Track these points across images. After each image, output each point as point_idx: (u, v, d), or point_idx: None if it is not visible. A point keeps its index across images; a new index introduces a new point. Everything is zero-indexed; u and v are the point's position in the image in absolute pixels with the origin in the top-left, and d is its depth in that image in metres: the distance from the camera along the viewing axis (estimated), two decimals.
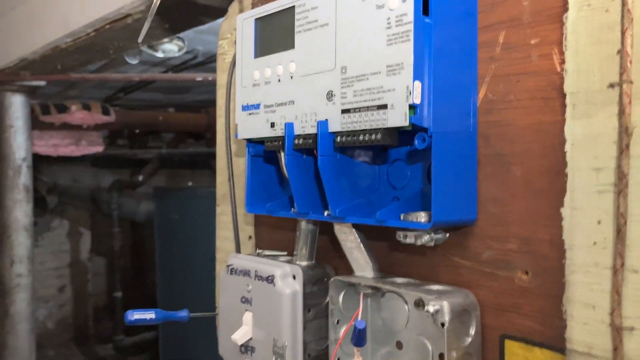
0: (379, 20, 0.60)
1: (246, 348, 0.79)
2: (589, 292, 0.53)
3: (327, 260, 0.80)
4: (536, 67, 0.58)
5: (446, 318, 0.59)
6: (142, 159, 4.52)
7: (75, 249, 4.86)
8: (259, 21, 0.76)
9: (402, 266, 0.70)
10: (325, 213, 0.70)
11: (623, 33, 0.50)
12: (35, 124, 3.31)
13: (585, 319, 0.53)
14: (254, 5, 0.92)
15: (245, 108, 0.78)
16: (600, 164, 0.52)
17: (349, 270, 0.73)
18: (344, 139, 0.64)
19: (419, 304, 0.65)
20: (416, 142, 0.59)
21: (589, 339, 0.53)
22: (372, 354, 0.71)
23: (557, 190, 0.56)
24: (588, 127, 0.53)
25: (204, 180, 5.03)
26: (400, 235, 0.63)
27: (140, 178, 4.47)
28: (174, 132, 4.51)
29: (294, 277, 0.75)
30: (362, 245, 0.70)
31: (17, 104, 2.85)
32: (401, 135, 0.62)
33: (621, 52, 0.50)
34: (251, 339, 0.78)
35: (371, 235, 0.72)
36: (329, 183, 0.66)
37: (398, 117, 0.58)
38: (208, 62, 3.21)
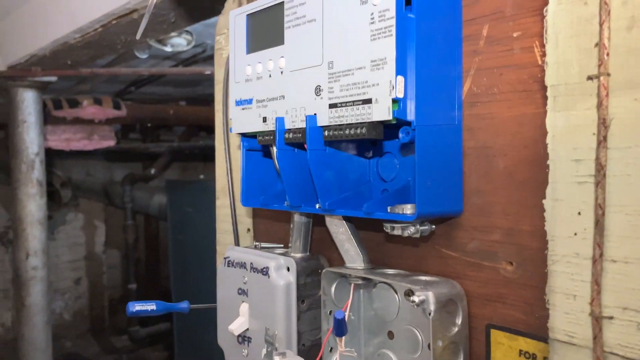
0: (363, 16, 0.61)
1: (243, 338, 0.81)
2: (570, 282, 0.54)
3: (322, 251, 0.81)
4: (518, 60, 0.58)
5: (432, 308, 0.60)
6: (154, 152, 4.56)
7: (90, 242, 4.93)
8: (251, 17, 0.77)
9: (392, 257, 0.71)
10: (317, 206, 0.71)
11: (601, 25, 0.50)
12: (48, 118, 3.35)
13: (566, 308, 0.54)
14: (249, 1, 0.93)
15: (238, 103, 0.79)
16: (580, 155, 0.53)
17: (343, 262, 0.74)
18: (331, 133, 0.65)
19: (409, 294, 0.66)
20: (400, 135, 0.60)
21: (570, 328, 0.54)
22: (364, 344, 0.72)
23: (539, 181, 0.56)
24: (568, 119, 0.54)
25: (215, 173, 5.05)
26: (387, 227, 0.64)
27: (153, 171, 4.51)
28: (185, 125, 4.54)
29: (288, 269, 0.76)
30: (352, 237, 0.71)
31: (29, 100, 2.89)
32: (389, 129, 0.63)
33: (599, 44, 0.51)
34: (248, 329, 0.80)
35: (363, 227, 0.73)
36: (318, 176, 0.67)
37: (382, 111, 0.59)
38: None
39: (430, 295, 0.60)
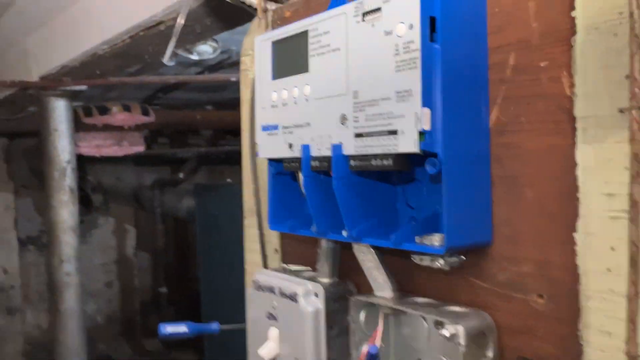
0: (388, 47, 0.60)
1: None
2: (605, 319, 0.53)
3: (350, 275, 0.81)
4: (546, 89, 0.57)
5: (462, 342, 0.59)
6: (182, 157, 4.61)
7: (121, 245, 5.02)
8: (276, 44, 0.77)
9: (421, 285, 0.71)
10: (344, 233, 0.71)
11: (631, 58, 0.49)
12: (79, 126, 3.42)
13: (601, 345, 0.53)
14: (273, 24, 0.93)
15: (265, 128, 0.79)
16: (612, 189, 0.52)
17: (372, 287, 0.74)
18: (357, 162, 0.64)
19: (439, 324, 0.65)
20: (427, 167, 0.59)
21: None
22: None
23: (570, 214, 0.55)
24: (599, 151, 0.52)
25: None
26: (416, 258, 0.64)
27: (181, 175, 4.57)
28: (212, 130, 4.58)
29: (316, 295, 0.76)
30: (380, 265, 0.71)
31: (61, 108, 2.95)
32: (416, 156, 0.63)
33: (630, 77, 0.50)
34: (278, 354, 0.80)
35: (390, 254, 0.73)
36: (344, 205, 0.67)
37: (408, 143, 0.59)
38: None
39: (461, 329, 0.59)
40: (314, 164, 0.70)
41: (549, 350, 0.58)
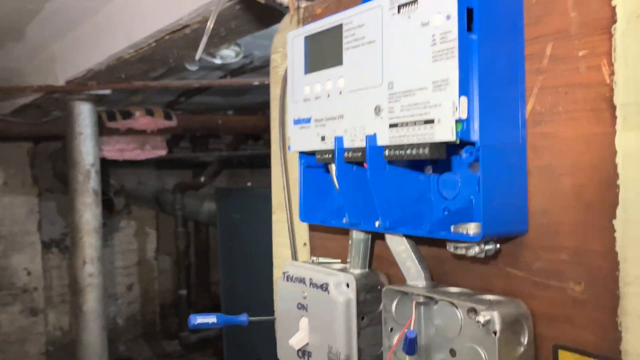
0: (424, 37, 0.61)
1: (303, 353, 0.82)
2: None
3: (381, 267, 0.82)
4: (585, 78, 0.57)
5: (497, 328, 0.60)
6: (204, 161, 4.65)
7: (142, 248, 5.07)
8: (309, 38, 0.78)
9: (454, 275, 0.71)
10: (376, 223, 0.71)
11: None
12: (102, 130, 3.47)
13: None
14: (304, 21, 0.94)
15: (297, 122, 0.80)
16: None
17: (403, 278, 0.74)
18: (392, 152, 0.65)
19: (472, 313, 0.65)
20: (464, 155, 0.60)
21: None
22: None
23: (609, 202, 0.55)
24: (639, 139, 0.53)
25: (262, 180, 5.13)
26: (451, 247, 0.65)
27: (202, 179, 4.61)
28: (233, 134, 4.62)
29: (348, 285, 0.77)
30: (413, 255, 0.72)
31: (86, 112, 3.00)
32: (450, 146, 0.63)
33: None
34: (307, 344, 0.81)
35: (423, 244, 0.73)
36: (378, 195, 0.68)
37: (445, 132, 0.59)
38: (264, 65, 3.27)
39: (496, 315, 0.59)
40: (347, 155, 0.71)
41: (586, 337, 0.58)
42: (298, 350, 0.82)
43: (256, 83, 3.00)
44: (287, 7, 0.96)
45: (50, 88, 2.85)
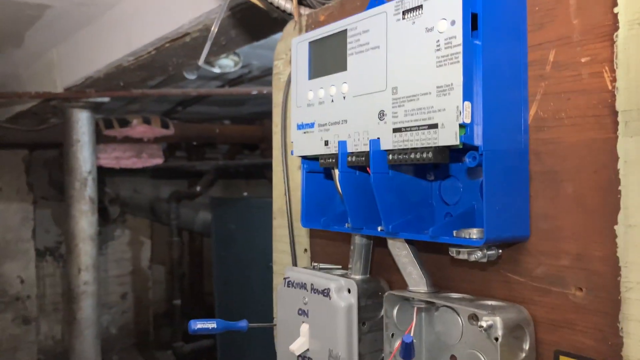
0: (429, 43, 0.62)
1: (304, 358, 0.82)
2: None
3: (382, 273, 0.82)
4: (587, 85, 0.58)
5: (499, 333, 0.60)
6: (200, 170, 4.65)
7: (136, 258, 5.05)
8: (313, 44, 0.79)
9: (455, 281, 0.71)
10: (379, 228, 0.72)
11: None
12: (99, 137, 3.47)
13: None
14: (307, 28, 0.95)
15: (300, 127, 0.81)
16: None
17: (403, 284, 0.74)
18: (395, 156, 0.66)
19: (473, 318, 0.66)
20: (467, 160, 0.60)
21: None
22: None
23: (610, 207, 0.56)
24: None
25: (258, 190, 5.14)
26: (453, 251, 0.65)
27: (198, 189, 4.60)
28: (230, 144, 4.62)
29: (349, 291, 0.77)
30: (415, 260, 0.72)
31: (83, 120, 3.00)
32: (452, 152, 0.64)
33: None
34: (308, 349, 0.81)
35: (425, 250, 0.74)
36: (381, 199, 0.68)
37: (449, 136, 0.60)
38: (262, 75, 3.28)
39: (498, 321, 0.60)
40: (351, 159, 0.72)
41: (587, 343, 0.58)
42: (298, 356, 0.82)
43: (254, 93, 3.01)
44: (291, 14, 0.97)
45: (48, 95, 2.85)
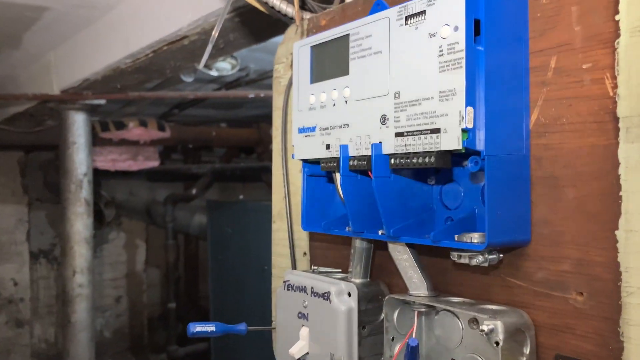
0: (431, 48, 0.62)
1: None
2: None
3: (382, 277, 0.82)
4: (588, 91, 0.58)
5: (500, 337, 0.60)
6: (196, 173, 4.65)
7: (131, 261, 5.03)
8: (315, 48, 0.79)
9: (456, 285, 0.72)
10: (380, 232, 0.72)
11: None
12: (95, 140, 3.46)
13: None
14: (308, 32, 0.95)
15: (301, 130, 0.81)
16: None
17: (404, 288, 0.74)
18: (397, 161, 0.66)
19: (474, 322, 0.66)
20: (469, 165, 0.61)
21: None
22: None
23: (611, 212, 0.56)
24: None
25: (254, 194, 5.13)
26: (454, 256, 0.65)
27: (194, 191, 4.59)
28: (226, 147, 4.62)
29: (349, 295, 0.77)
30: (416, 264, 0.72)
31: (80, 122, 2.99)
32: (454, 157, 0.64)
33: None
34: (307, 353, 0.81)
35: (425, 254, 0.74)
36: (383, 203, 0.68)
37: (451, 141, 0.60)
38: (260, 79, 3.29)
39: (499, 325, 0.60)
40: (352, 163, 0.72)
41: (588, 348, 0.58)
42: None
43: (252, 96, 3.01)
44: (292, 18, 0.97)
45: (45, 97, 2.84)
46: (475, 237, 0.62)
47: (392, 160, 0.67)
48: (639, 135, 0.54)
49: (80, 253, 3.01)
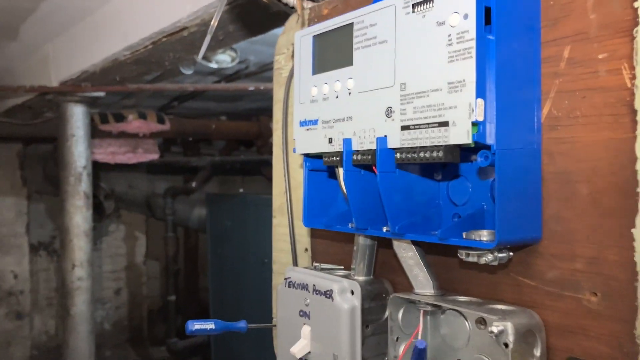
0: (440, 37, 0.60)
1: None
2: None
3: (385, 275, 0.80)
4: (604, 82, 0.56)
5: (510, 339, 0.58)
6: (195, 166, 4.62)
7: (131, 253, 5.01)
8: (317, 38, 0.77)
9: (463, 284, 0.69)
10: (384, 229, 0.69)
11: None
12: (94, 132, 3.44)
13: None
14: (310, 22, 0.93)
15: (303, 124, 0.78)
16: None
17: (408, 286, 0.72)
18: (404, 155, 0.63)
19: (482, 323, 0.64)
20: (479, 159, 0.58)
21: None
22: None
23: (628, 209, 0.54)
24: None
25: (254, 187, 5.11)
26: (462, 254, 0.63)
27: (194, 184, 4.57)
28: (226, 140, 4.59)
29: (352, 293, 0.75)
30: (422, 262, 0.70)
31: (79, 114, 2.97)
32: (462, 151, 0.62)
33: None
34: (309, 352, 0.79)
35: (431, 252, 0.72)
36: (388, 199, 0.66)
37: (460, 135, 0.57)
38: (260, 71, 3.26)
39: (509, 326, 0.58)
40: (356, 157, 0.69)
41: (601, 350, 0.56)
42: (300, 359, 0.80)
43: (251, 88, 2.98)
44: (293, 8, 0.94)
45: (43, 89, 2.81)
46: (485, 235, 0.60)
47: (398, 155, 0.64)
48: None
49: (80, 246, 2.99)
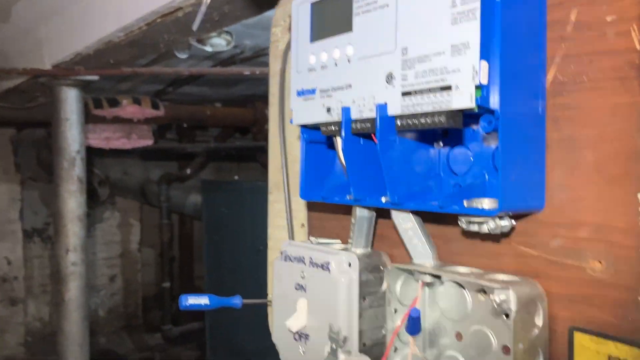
0: None
1: (300, 335, 0.78)
2: None
3: (383, 248, 0.79)
4: (612, 45, 0.54)
5: (512, 308, 0.56)
6: (190, 153, 4.60)
7: (125, 240, 4.99)
8: (315, 5, 0.75)
9: (463, 254, 0.68)
10: (383, 199, 0.68)
11: None
12: (88, 117, 3.40)
13: None
14: None
15: (300, 93, 0.77)
16: None
17: (405, 258, 0.71)
18: (404, 122, 0.62)
19: (482, 293, 0.62)
20: (482, 124, 0.57)
21: None
22: (429, 344, 0.69)
23: (634, 176, 0.53)
24: None
25: (249, 174, 5.09)
26: (463, 222, 0.61)
27: (189, 171, 4.55)
28: (221, 127, 4.56)
29: (350, 265, 0.73)
30: (421, 233, 0.68)
31: (72, 98, 2.93)
32: (464, 119, 0.60)
33: None
34: (305, 326, 0.77)
35: (430, 222, 0.70)
36: (388, 168, 0.64)
37: (463, 99, 0.56)
38: (255, 56, 3.23)
39: (511, 295, 0.56)
40: (355, 126, 0.68)
41: (605, 319, 0.55)
42: (295, 333, 0.79)
43: (247, 72, 2.95)
44: None
45: (36, 71, 2.77)
46: (486, 203, 0.58)
47: (399, 122, 0.62)
48: None
49: (74, 231, 2.96)
